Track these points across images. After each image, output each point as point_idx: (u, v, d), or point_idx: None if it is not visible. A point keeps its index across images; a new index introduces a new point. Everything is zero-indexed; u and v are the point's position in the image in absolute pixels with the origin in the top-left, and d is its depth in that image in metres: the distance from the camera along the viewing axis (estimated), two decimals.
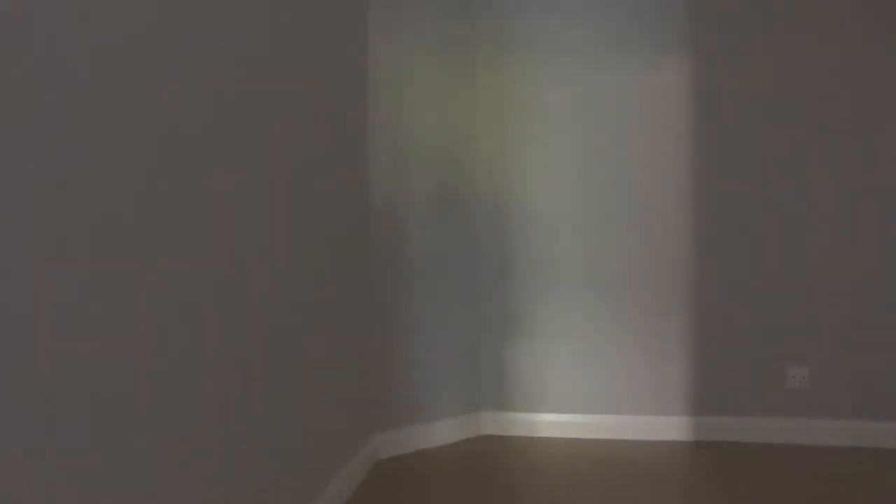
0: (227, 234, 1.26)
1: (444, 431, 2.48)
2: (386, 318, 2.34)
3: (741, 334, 2.54)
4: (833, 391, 2.52)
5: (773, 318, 2.52)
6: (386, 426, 2.35)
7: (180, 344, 1.09)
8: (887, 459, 2.32)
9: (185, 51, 1.12)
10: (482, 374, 2.61)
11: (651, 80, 2.53)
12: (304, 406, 1.65)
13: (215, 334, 1.21)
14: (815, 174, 2.49)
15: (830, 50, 2.46)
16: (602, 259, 2.56)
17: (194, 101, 1.15)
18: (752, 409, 2.55)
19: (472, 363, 2.58)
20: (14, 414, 0.73)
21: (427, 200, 2.42)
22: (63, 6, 0.82)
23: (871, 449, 2.45)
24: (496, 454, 2.36)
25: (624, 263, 2.56)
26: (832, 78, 2.47)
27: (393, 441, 2.36)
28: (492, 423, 2.61)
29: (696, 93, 2.53)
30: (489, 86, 2.60)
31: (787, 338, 2.52)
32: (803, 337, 2.52)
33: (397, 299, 2.36)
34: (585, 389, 2.59)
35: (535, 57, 2.57)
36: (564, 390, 2.60)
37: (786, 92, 2.49)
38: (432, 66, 2.41)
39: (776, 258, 2.52)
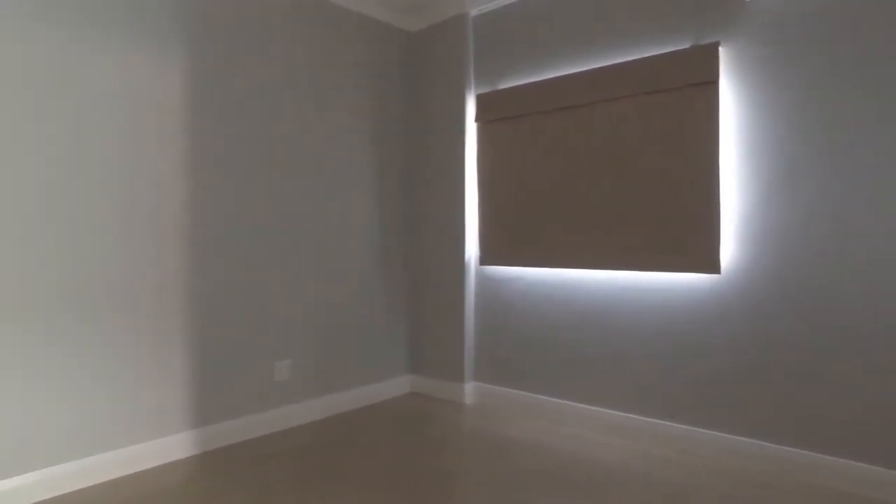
0: None
1: None
2: None
3: (236, 340, 2.68)
4: (308, 376, 3.00)
5: (261, 319, 2.80)
6: None
7: None
8: (351, 420, 2.97)
9: None
10: None
11: (137, 73, 2.36)
12: None
13: None
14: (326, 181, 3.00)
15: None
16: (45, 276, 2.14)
17: None
18: (250, 407, 2.71)
19: None
20: None
21: None
22: None
23: (337, 415, 3.06)
24: None
25: (91, 277, 2.22)
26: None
27: None
28: None
29: (189, 91, 2.52)
30: None
31: (274, 336, 2.85)
32: (287, 333, 2.91)
33: None
34: (54, 434, 2.06)
35: None
36: (26, 444, 1.97)
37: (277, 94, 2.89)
38: None
39: (264, 261, 2.83)
